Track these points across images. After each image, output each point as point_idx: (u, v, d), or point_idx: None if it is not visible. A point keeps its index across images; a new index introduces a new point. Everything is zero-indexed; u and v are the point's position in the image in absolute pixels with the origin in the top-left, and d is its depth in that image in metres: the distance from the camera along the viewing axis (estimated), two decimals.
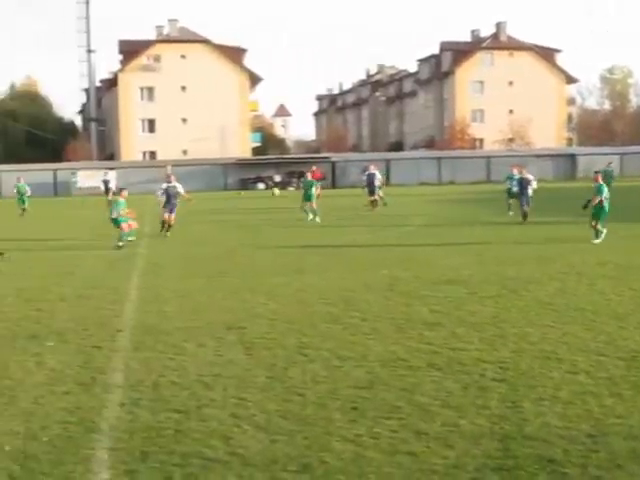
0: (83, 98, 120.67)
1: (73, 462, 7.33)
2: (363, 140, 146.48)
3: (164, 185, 29.20)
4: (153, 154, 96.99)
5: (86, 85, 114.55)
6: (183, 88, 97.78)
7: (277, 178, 79.68)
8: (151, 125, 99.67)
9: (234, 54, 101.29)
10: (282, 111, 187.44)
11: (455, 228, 29.55)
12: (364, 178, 43.09)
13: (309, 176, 38.37)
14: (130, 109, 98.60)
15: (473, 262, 20.26)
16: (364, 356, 10.92)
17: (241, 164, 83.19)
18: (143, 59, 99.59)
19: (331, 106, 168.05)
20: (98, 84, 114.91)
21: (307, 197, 35.39)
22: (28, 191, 46.07)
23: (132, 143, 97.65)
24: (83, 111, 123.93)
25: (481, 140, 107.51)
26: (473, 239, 26.23)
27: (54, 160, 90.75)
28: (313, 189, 35.33)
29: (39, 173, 77.11)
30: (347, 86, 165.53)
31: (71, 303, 15.81)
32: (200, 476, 6.97)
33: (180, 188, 29.29)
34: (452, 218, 34.66)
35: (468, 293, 15.72)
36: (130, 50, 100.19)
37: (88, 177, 75.87)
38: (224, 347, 11.63)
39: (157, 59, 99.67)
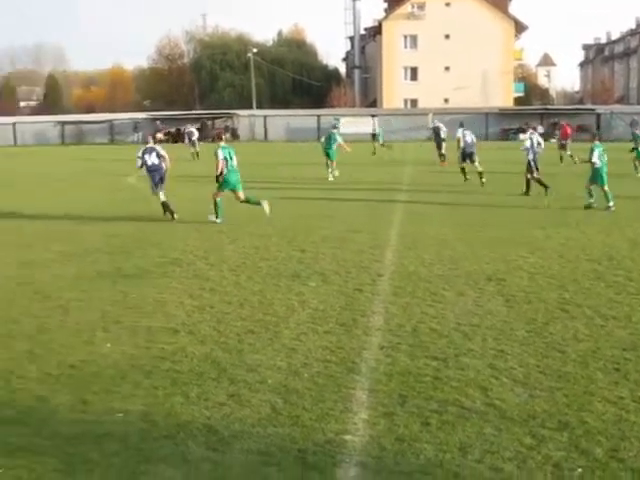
0: (347, 46, 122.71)
1: (333, 400, 7.48)
2: (631, 92, 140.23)
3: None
4: (414, 102, 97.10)
5: (351, 33, 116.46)
6: (446, 36, 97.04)
7: (540, 129, 77.76)
8: (413, 73, 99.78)
9: (499, 2, 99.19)
10: (546, 60, 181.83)
11: None
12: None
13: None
14: (393, 57, 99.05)
15: None
16: (628, 317, 10.47)
17: (503, 114, 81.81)
18: (408, 7, 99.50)
19: (598, 56, 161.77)
20: (362, 32, 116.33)
21: None
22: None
23: (394, 90, 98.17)
24: (347, 59, 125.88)
25: None
26: None
27: (318, 106, 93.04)
28: None
29: (304, 118, 79.38)
30: (615, 35, 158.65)
31: (333, 245, 16.20)
32: (457, 424, 6.92)
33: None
34: None
35: None
36: None
37: (350, 123, 77.16)
38: (484, 297, 11.52)
39: (421, 7, 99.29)
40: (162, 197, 20.91)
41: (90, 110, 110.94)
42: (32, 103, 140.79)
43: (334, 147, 32.68)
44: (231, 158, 19.73)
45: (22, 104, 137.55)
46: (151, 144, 21.46)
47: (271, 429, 6.84)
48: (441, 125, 41.60)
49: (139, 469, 6.17)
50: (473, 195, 25.89)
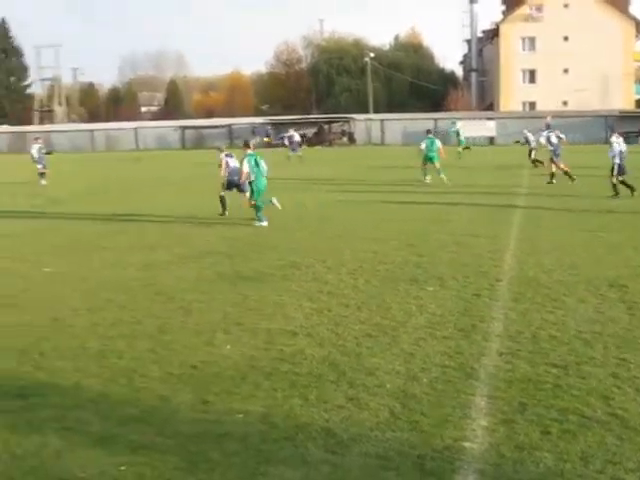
0: (464, 49, 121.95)
1: (451, 406, 7.44)
2: None
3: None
4: (532, 105, 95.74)
5: (468, 36, 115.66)
6: (565, 38, 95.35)
7: None
8: (532, 75, 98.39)
9: (619, 2, 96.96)
10: None
11: None
12: None
13: None
14: (511, 59, 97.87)
15: None
16: None
17: (623, 116, 79.80)
18: (525, 9, 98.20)
19: None
20: (480, 35, 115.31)
21: None
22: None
23: (512, 93, 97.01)
24: (464, 62, 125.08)
25: None
26: None
27: (435, 109, 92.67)
28: None
29: (421, 122, 79.10)
30: None
31: (451, 249, 16.12)
32: (578, 433, 6.79)
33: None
34: None
35: None
36: (513, 0, 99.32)
37: (467, 127, 76.52)
38: (605, 304, 11.27)
39: (539, 9, 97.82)
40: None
41: (209, 115, 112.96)
42: (153, 108, 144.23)
43: (436, 151, 33.16)
44: (257, 165, 20.63)
45: (143, 109, 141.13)
46: (226, 151, 23.22)
47: (389, 433, 6.85)
48: (529, 134, 42.54)
49: (259, 470, 6.25)
50: (590, 199, 25.32)
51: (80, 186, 36.89)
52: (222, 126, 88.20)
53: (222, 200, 22.69)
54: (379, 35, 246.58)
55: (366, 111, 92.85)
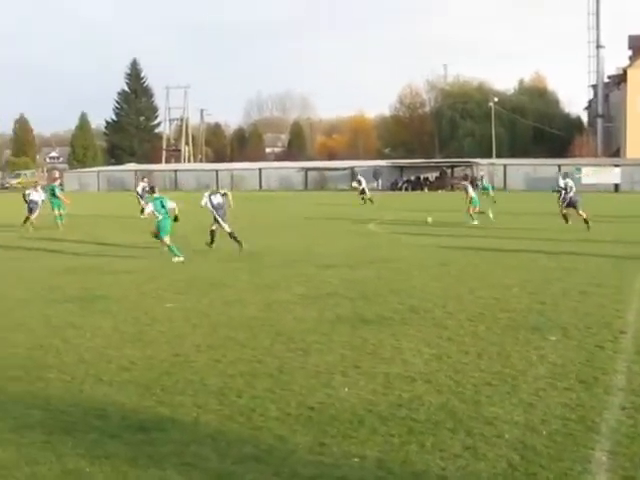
0: (590, 94, 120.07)
1: (571, 459, 7.27)
2: None
3: None
4: None
5: (594, 81, 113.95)
6: None
7: None
8: None
9: None
10: None
11: None
12: None
13: None
14: (637, 105, 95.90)
15: None
16: None
17: None
18: None
19: None
20: (606, 80, 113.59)
21: None
22: None
23: (638, 140, 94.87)
24: (589, 107, 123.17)
25: None
26: None
27: (559, 155, 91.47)
28: None
29: (544, 167, 78.22)
30: None
31: (574, 298, 15.79)
32: None
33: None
34: None
35: None
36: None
37: (592, 173, 75.19)
38: None
39: None
40: (227, 229, 24.84)
41: (332, 157, 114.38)
42: (277, 149, 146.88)
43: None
44: (163, 207, 23.19)
45: (267, 150, 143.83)
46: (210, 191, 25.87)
47: None
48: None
49: None
50: None
51: (202, 223, 37.59)
52: (344, 168, 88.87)
53: (212, 233, 25.28)
54: (503, 79, 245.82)
55: (489, 155, 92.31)
